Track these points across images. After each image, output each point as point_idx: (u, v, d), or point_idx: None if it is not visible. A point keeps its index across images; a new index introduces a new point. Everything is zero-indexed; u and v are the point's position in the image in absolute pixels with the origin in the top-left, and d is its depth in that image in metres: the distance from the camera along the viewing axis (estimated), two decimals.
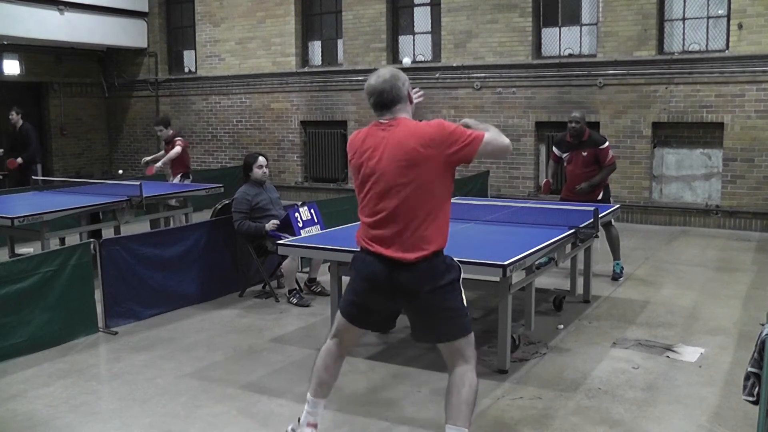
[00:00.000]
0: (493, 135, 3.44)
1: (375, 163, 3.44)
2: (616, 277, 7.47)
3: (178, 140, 9.85)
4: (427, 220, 3.34)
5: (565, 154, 7.63)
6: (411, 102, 3.62)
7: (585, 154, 7.44)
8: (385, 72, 3.57)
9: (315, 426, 3.70)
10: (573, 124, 7.44)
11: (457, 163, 3.41)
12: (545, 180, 8.03)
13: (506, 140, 3.48)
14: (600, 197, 7.49)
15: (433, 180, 3.35)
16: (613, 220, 7.40)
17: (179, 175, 9.88)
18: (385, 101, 3.52)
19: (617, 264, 7.56)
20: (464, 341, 3.47)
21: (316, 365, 3.71)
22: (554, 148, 7.81)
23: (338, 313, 3.68)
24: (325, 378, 3.68)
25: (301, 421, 3.73)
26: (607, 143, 7.56)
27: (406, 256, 3.32)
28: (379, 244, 3.39)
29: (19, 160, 11.14)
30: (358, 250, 3.56)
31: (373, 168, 3.44)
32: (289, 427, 3.82)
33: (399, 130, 3.44)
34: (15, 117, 11.45)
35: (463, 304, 3.44)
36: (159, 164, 9.83)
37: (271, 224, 6.66)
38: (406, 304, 3.49)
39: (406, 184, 3.34)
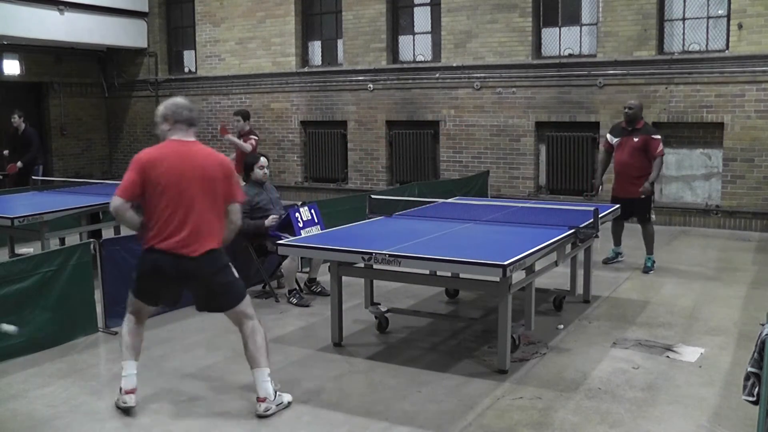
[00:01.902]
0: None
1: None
2: (647, 270, 7.78)
3: (252, 139, 9.54)
4: None
5: (616, 140, 7.91)
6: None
7: (636, 140, 7.74)
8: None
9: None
10: (627, 110, 7.82)
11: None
12: (596, 183, 8.47)
13: None
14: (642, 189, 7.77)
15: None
16: (653, 216, 7.93)
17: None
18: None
19: (649, 258, 7.88)
20: (243, 304, 4.26)
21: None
22: (608, 135, 8.14)
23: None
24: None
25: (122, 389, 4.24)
26: (659, 136, 7.85)
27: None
28: None
29: (19, 164, 11.14)
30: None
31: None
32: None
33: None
34: (18, 120, 11.41)
35: (235, 276, 4.25)
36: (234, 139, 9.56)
37: (271, 219, 6.66)
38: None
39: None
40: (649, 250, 7.92)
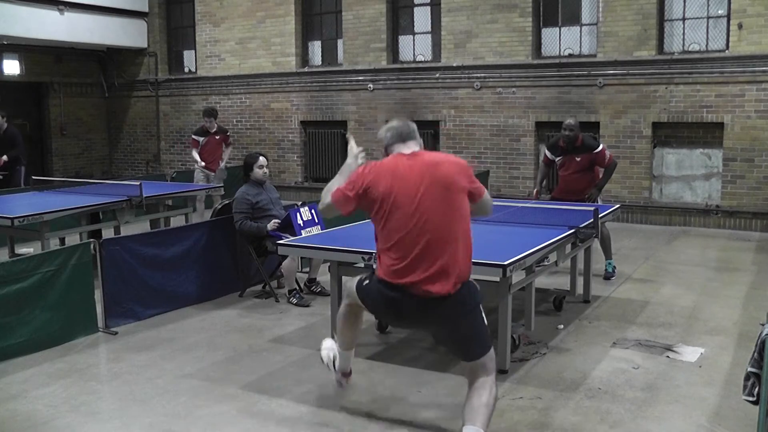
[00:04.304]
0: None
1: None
2: (608, 276, 7.47)
3: (229, 138, 11.30)
4: None
5: (558, 158, 7.61)
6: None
7: (579, 159, 7.43)
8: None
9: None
10: (567, 132, 7.41)
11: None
12: (535, 190, 8.10)
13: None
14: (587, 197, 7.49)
15: None
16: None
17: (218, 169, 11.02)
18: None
19: (609, 263, 7.55)
20: (487, 357, 3.60)
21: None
22: (547, 152, 7.76)
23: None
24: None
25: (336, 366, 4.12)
26: (601, 146, 7.54)
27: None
28: None
29: (5, 158, 11.05)
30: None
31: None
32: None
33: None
34: (1, 120, 11.31)
35: (485, 323, 3.62)
36: (223, 165, 11.08)
37: (272, 224, 6.66)
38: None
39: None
40: (608, 254, 7.53)
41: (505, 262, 4.47)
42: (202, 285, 6.74)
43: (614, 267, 7.58)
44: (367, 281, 3.71)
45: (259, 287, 7.12)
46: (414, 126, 3.79)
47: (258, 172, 6.90)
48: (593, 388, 4.62)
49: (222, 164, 11.04)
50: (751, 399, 3.21)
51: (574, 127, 7.42)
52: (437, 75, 12.44)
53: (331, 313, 5.46)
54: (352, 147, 3.85)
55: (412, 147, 3.69)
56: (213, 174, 10.76)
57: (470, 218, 3.64)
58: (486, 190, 3.76)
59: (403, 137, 3.70)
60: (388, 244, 3.51)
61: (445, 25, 12.30)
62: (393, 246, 3.49)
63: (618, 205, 7.31)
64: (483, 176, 11.95)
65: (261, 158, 6.97)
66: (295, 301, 6.62)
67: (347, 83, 13.28)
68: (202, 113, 11.40)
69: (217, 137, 10.87)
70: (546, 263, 5.85)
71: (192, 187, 9.70)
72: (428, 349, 5.41)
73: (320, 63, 14.01)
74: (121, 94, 16.43)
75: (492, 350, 3.62)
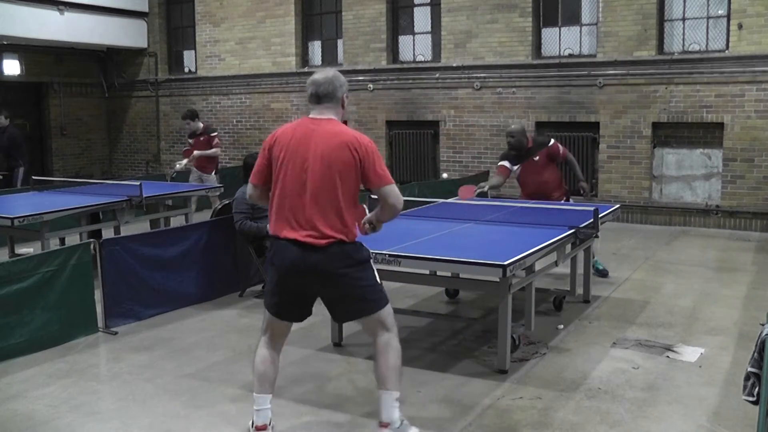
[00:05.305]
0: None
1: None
2: (603, 274, 7.49)
3: (217, 140, 10.41)
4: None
5: (516, 167, 7.41)
6: (343, 107, 3.77)
7: (537, 158, 7.32)
8: (329, 70, 3.81)
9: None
10: (509, 139, 7.33)
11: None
12: (471, 187, 7.23)
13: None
14: (565, 198, 7.45)
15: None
16: None
17: (213, 173, 10.43)
18: (319, 94, 3.68)
19: (596, 261, 7.47)
20: (384, 312, 3.72)
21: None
22: (505, 162, 7.48)
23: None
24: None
25: (253, 423, 3.81)
26: (552, 140, 7.45)
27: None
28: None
29: None
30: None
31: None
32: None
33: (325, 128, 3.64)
34: (4, 120, 11.28)
35: (377, 279, 3.71)
36: (197, 153, 10.20)
37: None
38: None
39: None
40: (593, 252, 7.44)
41: (505, 262, 4.46)
42: (202, 285, 6.74)
43: (603, 265, 7.59)
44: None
45: (259, 287, 7.11)
46: (338, 83, 3.70)
47: None
48: (593, 388, 4.62)
49: (182, 164, 10.39)
50: (751, 399, 3.21)
51: (515, 133, 7.30)
52: (437, 75, 12.44)
53: None
54: None
55: (324, 111, 3.67)
56: (207, 176, 10.35)
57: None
58: (387, 183, 3.65)
59: (316, 98, 3.67)
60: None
61: (445, 25, 12.30)
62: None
63: (618, 205, 7.31)
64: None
65: None
66: None
67: (347, 83, 13.25)
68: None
69: (202, 138, 10.27)
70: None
71: (191, 187, 9.70)
72: (428, 349, 5.41)
73: (320, 63, 14.00)
74: (121, 94, 16.43)
75: (388, 306, 3.73)
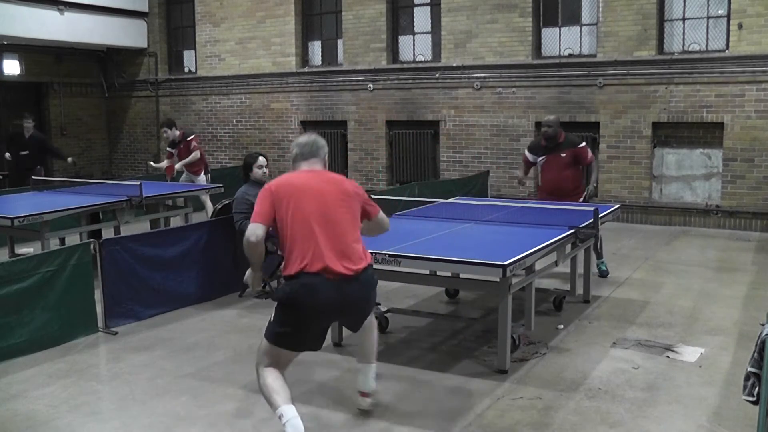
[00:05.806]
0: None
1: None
2: (604, 274, 7.50)
3: (194, 144, 10.41)
4: None
5: (540, 158, 7.52)
6: (325, 166, 4.12)
7: (564, 155, 7.38)
8: (312, 134, 4.19)
9: None
10: (545, 128, 7.41)
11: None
12: (521, 177, 8.14)
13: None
14: (582, 199, 7.48)
15: None
16: None
17: (202, 174, 10.51)
18: (305, 154, 4.03)
19: (602, 262, 7.57)
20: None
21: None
22: (527, 153, 7.69)
23: None
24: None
25: None
26: (584, 143, 7.53)
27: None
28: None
29: (8, 154, 11.07)
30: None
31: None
32: None
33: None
34: (29, 124, 11.30)
35: None
36: (178, 166, 10.43)
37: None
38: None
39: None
40: (599, 254, 7.48)
41: (505, 262, 4.46)
42: (202, 285, 6.74)
43: (606, 266, 7.61)
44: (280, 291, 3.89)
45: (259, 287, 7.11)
46: (321, 143, 4.06)
47: (258, 172, 6.89)
48: (593, 388, 4.62)
49: (157, 165, 10.59)
50: (751, 399, 3.21)
51: (552, 123, 7.40)
52: (437, 75, 12.44)
53: None
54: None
55: (314, 165, 3.98)
56: (197, 177, 10.42)
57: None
58: (380, 210, 4.12)
59: (305, 156, 3.99)
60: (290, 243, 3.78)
61: (445, 25, 12.30)
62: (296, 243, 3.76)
63: (618, 205, 7.31)
64: (483, 176, 11.97)
65: (261, 158, 6.97)
66: None
67: (347, 83, 13.28)
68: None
69: (182, 146, 10.36)
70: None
71: (191, 187, 9.70)
72: (428, 349, 5.41)
73: (320, 63, 14.01)
74: (121, 94, 16.43)
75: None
